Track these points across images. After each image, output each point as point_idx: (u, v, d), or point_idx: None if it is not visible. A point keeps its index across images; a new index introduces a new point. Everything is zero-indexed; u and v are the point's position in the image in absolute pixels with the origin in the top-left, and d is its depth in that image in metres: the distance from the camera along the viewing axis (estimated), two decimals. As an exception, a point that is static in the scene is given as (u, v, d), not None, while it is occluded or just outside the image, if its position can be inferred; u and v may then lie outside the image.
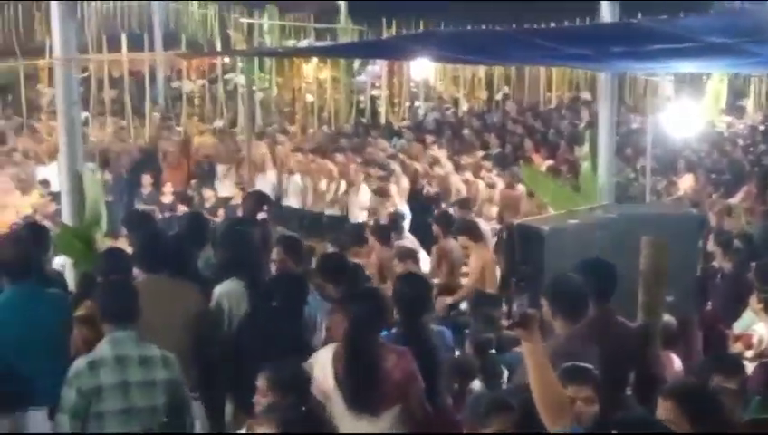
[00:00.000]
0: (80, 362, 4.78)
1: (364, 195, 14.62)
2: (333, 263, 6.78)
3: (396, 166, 15.44)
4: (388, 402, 4.89)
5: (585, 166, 10.13)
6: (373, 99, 24.84)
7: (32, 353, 4.90)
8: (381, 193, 13.51)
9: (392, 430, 4.91)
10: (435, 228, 10.73)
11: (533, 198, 12.35)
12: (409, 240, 10.98)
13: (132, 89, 20.72)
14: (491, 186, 14.62)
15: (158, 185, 16.49)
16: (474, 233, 10.28)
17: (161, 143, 18.84)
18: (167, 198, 15.63)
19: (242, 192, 13.72)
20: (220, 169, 17.15)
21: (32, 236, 6.55)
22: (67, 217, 8.72)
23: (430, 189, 15.00)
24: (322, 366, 4.91)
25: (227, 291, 6.15)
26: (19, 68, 20.97)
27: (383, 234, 10.42)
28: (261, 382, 4.58)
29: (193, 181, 16.91)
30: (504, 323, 3.97)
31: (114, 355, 4.82)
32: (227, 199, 15.53)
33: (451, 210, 12.26)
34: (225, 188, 16.49)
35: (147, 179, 16.50)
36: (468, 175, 15.35)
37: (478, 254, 10.16)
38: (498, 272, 10.05)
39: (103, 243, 8.90)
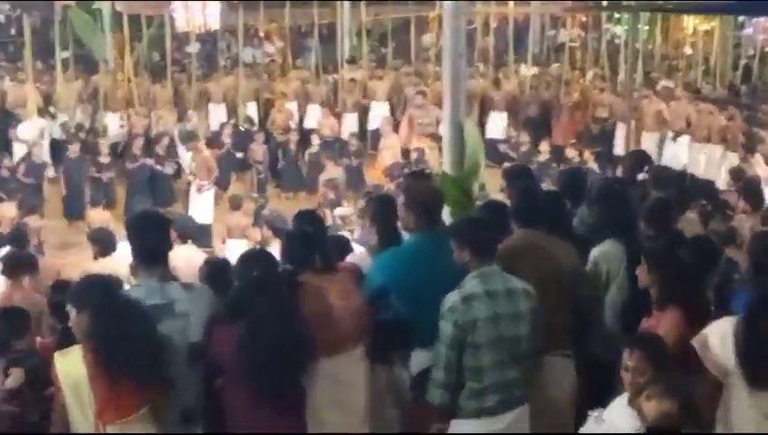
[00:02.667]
0: (453, 298, 4.98)
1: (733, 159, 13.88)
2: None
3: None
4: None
5: None
6: (763, 55, 23.34)
7: (432, 296, 5.14)
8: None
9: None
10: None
11: None
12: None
13: (508, 38, 21.05)
14: None
15: (536, 139, 16.64)
16: None
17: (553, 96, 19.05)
18: (542, 156, 15.63)
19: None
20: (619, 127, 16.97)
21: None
22: (448, 166, 8.96)
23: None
24: (722, 337, 4.75)
25: (605, 252, 6.07)
26: (401, 15, 21.90)
27: (756, 199, 9.55)
28: (635, 359, 4.58)
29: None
30: None
31: (484, 290, 5.01)
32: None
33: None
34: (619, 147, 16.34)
35: (524, 137, 16.68)
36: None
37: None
38: None
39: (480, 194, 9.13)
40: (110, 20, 18.95)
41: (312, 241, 5.43)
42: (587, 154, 15.28)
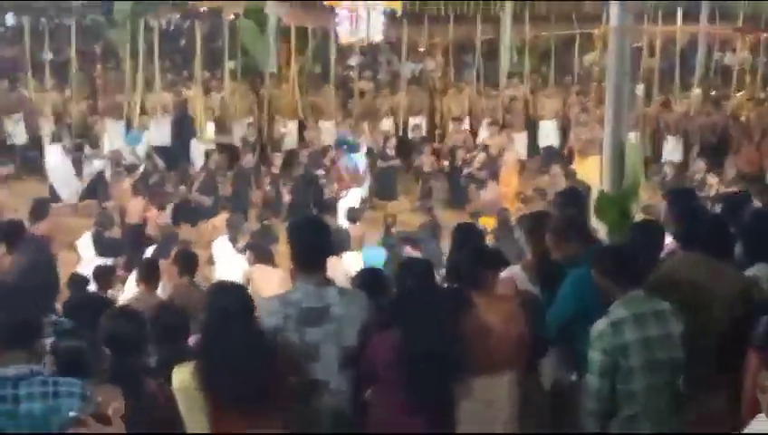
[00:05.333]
0: (602, 325, 4.94)
1: None
2: None
3: None
4: None
5: None
6: None
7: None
8: None
9: None
10: None
11: None
12: None
13: (673, 59, 20.57)
14: None
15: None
16: None
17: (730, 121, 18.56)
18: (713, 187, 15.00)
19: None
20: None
21: (575, 200, 6.82)
22: (607, 184, 8.85)
23: None
24: None
25: (756, 276, 5.77)
26: (559, 35, 21.62)
27: None
28: None
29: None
30: None
31: (632, 313, 4.96)
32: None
33: None
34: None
35: (699, 165, 16.24)
36: None
37: None
38: None
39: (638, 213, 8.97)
40: (276, 31, 19.46)
41: (483, 257, 5.47)
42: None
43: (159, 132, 17.90)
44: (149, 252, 12.08)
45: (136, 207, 13.73)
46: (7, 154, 18.07)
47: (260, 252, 10.62)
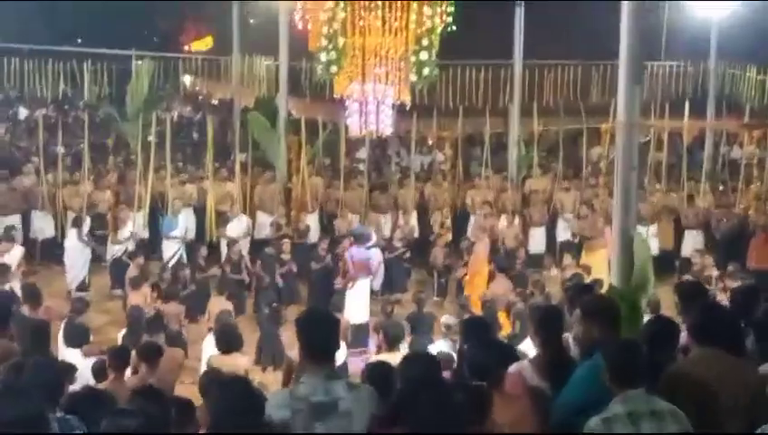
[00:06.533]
0: (594, 421, 4.81)
1: None
2: None
3: None
4: None
5: None
6: None
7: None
8: None
9: None
10: None
11: None
12: None
13: (680, 153, 20.63)
14: None
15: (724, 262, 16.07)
16: None
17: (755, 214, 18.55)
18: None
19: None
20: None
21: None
22: (615, 278, 8.82)
23: None
24: None
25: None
26: (561, 129, 21.76)
27: None
28: None
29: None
30: None
31: (626, 411, 4.82)
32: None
33: None
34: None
35: (707, 260, 16.09)
36: None
37: None
38: None
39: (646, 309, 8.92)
40: (285, 124, 19.63)
41: (494, 352, 5.42)
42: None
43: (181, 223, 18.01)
44: (119, 337, 11.87)
45: (136, 300, 13.41)
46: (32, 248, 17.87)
47: (226, 339, 10.09)
